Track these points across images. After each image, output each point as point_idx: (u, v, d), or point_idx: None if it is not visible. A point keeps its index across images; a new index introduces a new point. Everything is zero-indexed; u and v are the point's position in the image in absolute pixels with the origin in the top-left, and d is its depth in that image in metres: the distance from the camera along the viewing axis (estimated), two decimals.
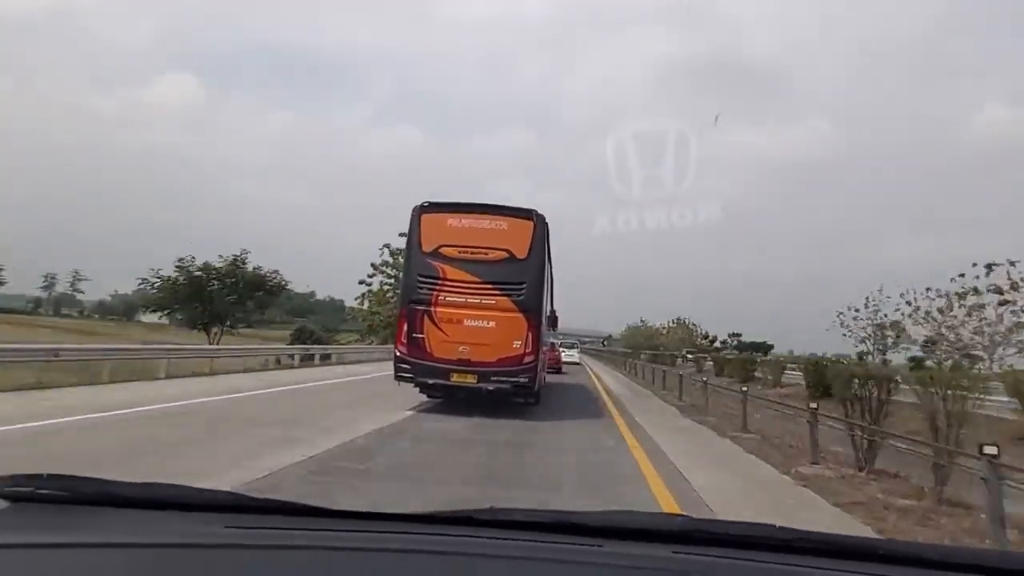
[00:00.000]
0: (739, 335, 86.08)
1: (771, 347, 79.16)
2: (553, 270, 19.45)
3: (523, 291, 12.04)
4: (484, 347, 11.83)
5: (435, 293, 12.05)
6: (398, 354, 12.23)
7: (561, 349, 35.19)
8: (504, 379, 11.83)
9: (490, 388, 11.85)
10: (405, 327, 12.19)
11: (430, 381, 12.14)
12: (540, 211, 12.43)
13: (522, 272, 12.09)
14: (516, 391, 12.02)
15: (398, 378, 12.23)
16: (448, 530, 1.19)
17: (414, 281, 12.27)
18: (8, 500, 1.22)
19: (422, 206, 12.46)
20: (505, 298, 12.01)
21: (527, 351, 11.89)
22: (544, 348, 14.25)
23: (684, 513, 1.28)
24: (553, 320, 24.54)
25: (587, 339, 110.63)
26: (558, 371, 29.15)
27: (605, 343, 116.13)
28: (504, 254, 12.12)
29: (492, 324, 11.96)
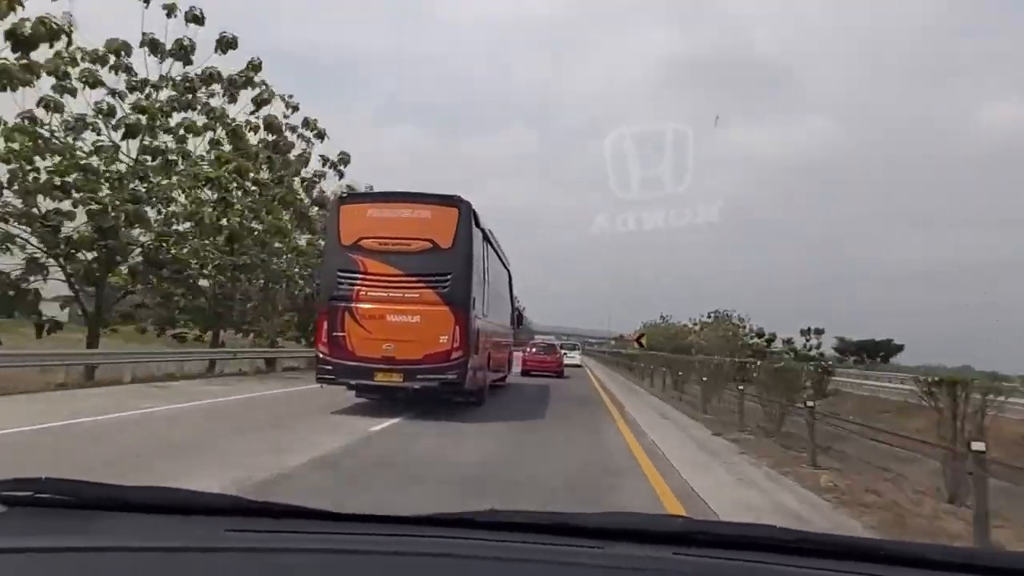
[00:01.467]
0: (821, 331, 58.67)
1: (899, 348, 60.92)
2: (507, 264, 18.84)
3: (448, 283, 11.35)
4: (409, 343, 11.14)
5: (356, 289, 11.38)
6: (319, 355, 11.56)
7: (562, 351, 32.20)
8: (431, 376, 11.12)
9: (416, 387, 11.16)
10: (325, 326, 11.50)
11: (353, 382, 11.45)
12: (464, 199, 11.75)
13: (447, 263, 11.40)
14: (445, 389, 11.32)
15: (320, 380, 11.54)
16: (448, 532, 1.19)
17: (333, 277, 11.60)
18: (7, 504, 1.22)
19: (341, 197, 11.93)
20: (430, 291, 11.33)
21: (455, 346, 11.18)
22: (486, 342, 13.51)
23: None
24: (518, 318, 23.92)
25: (593, 339, 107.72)
26: (559, 375, 27.11)
27: (617, 344, 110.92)
28: (427, 244, 11.44)
29: (417, 319, 11.27)
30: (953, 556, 1.20)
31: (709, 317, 55.61)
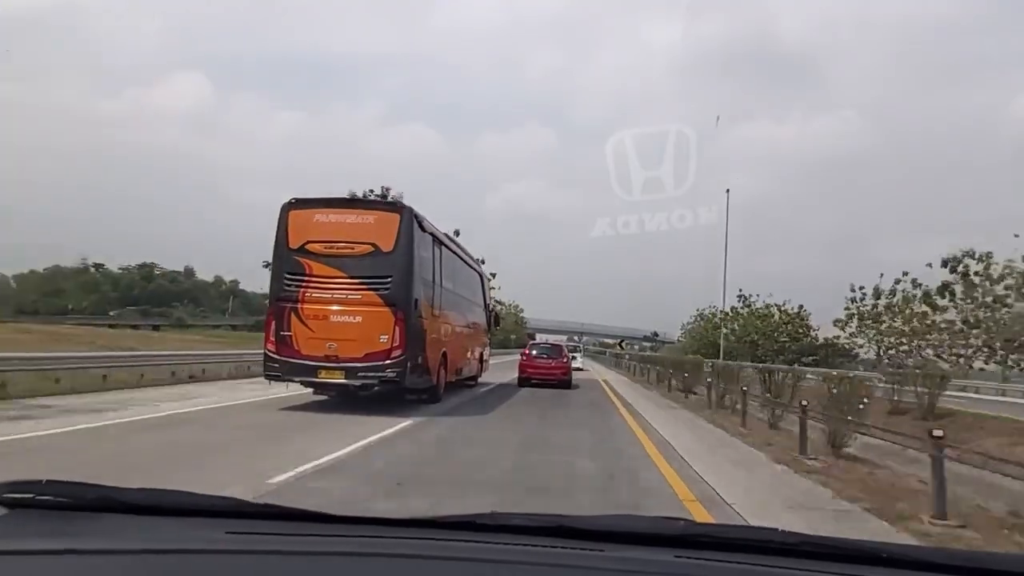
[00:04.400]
0: None
1: None
2: (477, 267, 19.37)
3: (389, 285, 11.87)
4: (351, 343, 11.69)
5: (302, 290, 11.95)
6: (267, 352, 12.14)
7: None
8: (371, 374, 11.66)
9: (357, 384, 11.70)
10: (273, 325, 12.10)
11: (298, 379, 12.03)
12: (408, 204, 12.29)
13: (388, 266, 11.93)
14: (384, 387, 11.84)
15: (267, 376, 12.15)
16: (449, 535, 1.19)
17: (281, 278, 12.19)
18: (7, 507, 1.21)
19: (289, 203, 12.40)
20: (371, 292, 11.86)
21: (394, 345, 11.71)
22: (438, 342, 13.98)
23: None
24: (495, 319, 24.42)
25: (621, 338, 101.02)
26: (567, 385, 21.53)
27: (654, 345, 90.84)
28: (370, 248, 11.98)
29: (358, 319, 11.81)
30: (955, 559, 1.19)
31: (776, 307, 44.70)
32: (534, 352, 22.68)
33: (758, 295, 46.12)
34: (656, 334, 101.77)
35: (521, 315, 76.79)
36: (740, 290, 46.78)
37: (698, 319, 52.92)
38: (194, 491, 1.30)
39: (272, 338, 12.06)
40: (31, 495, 1.23)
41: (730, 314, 43.77)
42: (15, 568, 1.01)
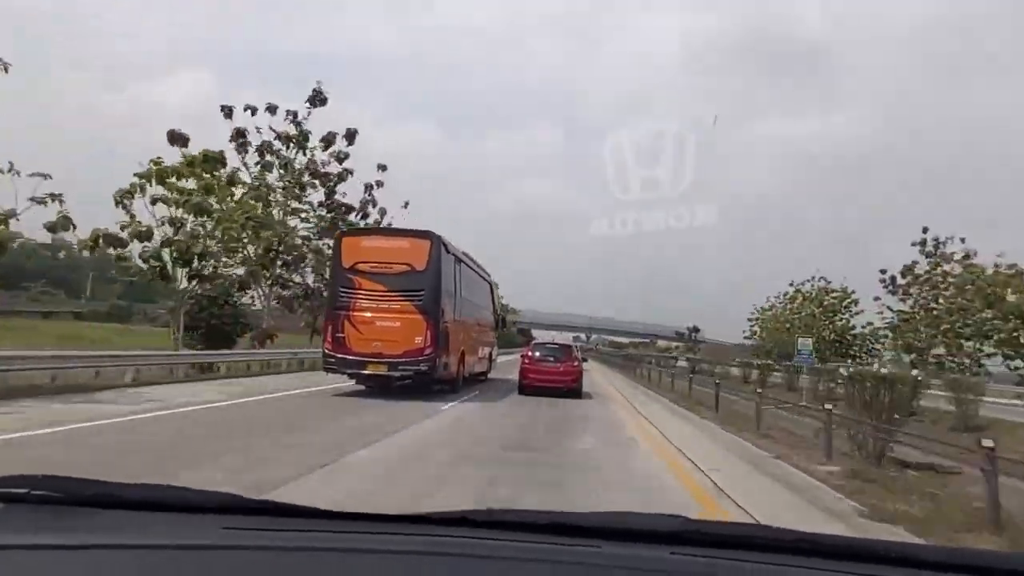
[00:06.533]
0: None
1: None
2: (487, 277, 22.64)
3: (422, 297, 15.01)
4: (392, 342, 14.81)
5: (353, 300, 15.08)
6: (326, 351, 15.28)
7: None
8: (408, 368, 14.79)
9: (396, 375, 14.83)
10: (330, 328, 15.24)
11: (350, 372, 15.16)
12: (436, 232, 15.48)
13: (421, 281, 15.06)
14: (419, 376, 14.96)
15: (326, 369, 15.30)
16: (444, 531, 1.20)
17: (336, 291, 15.35)
18: (3, 501, 1.23)
19: (343, 232, 15.60)
20: (408, 302, 15.00)
21: (427, 345, 14.83)
22: (458, 343, 17.10)
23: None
24: (501, 321, 27.66)
25: (625, 335, 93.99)
26: (576, 394, 17.84)
27: (697, 348, 76.01)
28: (406, 267, 15.12)
29: (398, 324, 14.93)
30: (952, 557, 1.20)
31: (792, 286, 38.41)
32: (537, 354, 18.74)
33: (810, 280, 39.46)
34: (696, 329, 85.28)
35: (503, 302, 57.86)
36: (791, 282, 40.66)
37: (784, 302, 41.58)
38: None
39: (329, 339, 15.20)
40: (26, 490, 1.23)
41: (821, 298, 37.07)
42: (12, 564, 1.01)
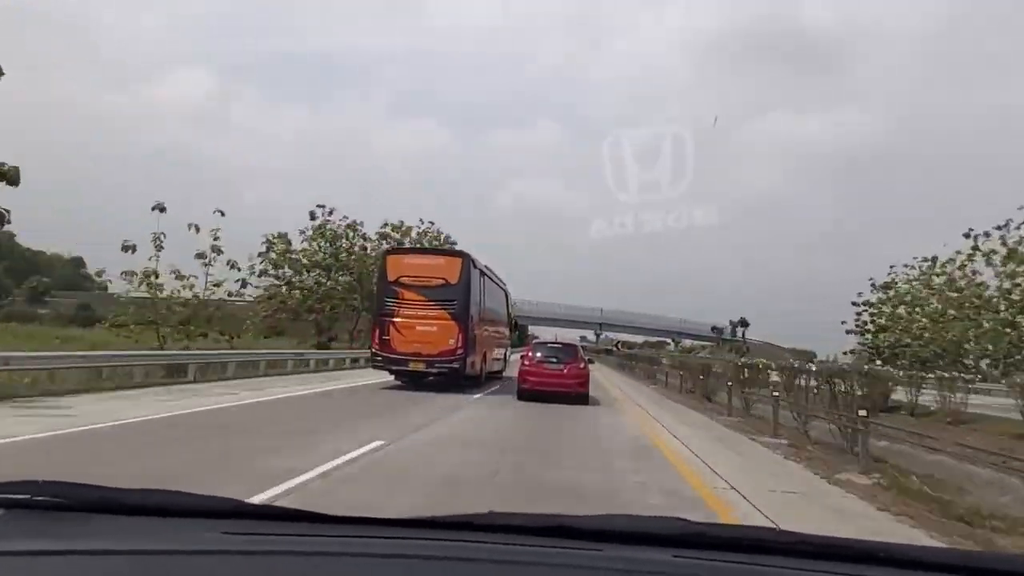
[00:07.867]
0: None
1: None
2: (504, 286, 25.70)
3: (455, 306, 17.92)
4: (429, 344, 17.71)
5: (396, 308, 18.01)
6: (373, 351, 18.23)
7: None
8: (443, 365, 17.70)
9: (434, 371, 17.74)
10: (378, 332, 18.17)
11: (394, 368, 18.09)
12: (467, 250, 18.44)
13: (454, 293, 17.97)
14: (451, 373, 17.86)
15: (374, 366, 18.27)
16: (446, 535, 1.20)
17: (383, 300, 18.30)
18: (3, 507, 1.22)
19: (388, 250, 18.61)
20: (443, 310, 17.90)
21: (458, 346, 17.74)
22: (481, 345, 20.01)
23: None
24: (516, 326, 30.67)
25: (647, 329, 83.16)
26: (583, 399, 16.60)
27: (746, 348, 67.05)
28: (442, 281, 18.04)
29: (434, 328, 17.84)
30: (952, 558, 1.21)
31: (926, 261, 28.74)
32: (538, 355, 17.17)
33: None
34: (745, 323, 73.51)
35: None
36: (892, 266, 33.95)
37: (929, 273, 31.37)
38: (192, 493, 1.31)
39: (377, 341, 18.13)
40: (27, 496, 1.23)
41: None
42: (12, 569, 1.01)
